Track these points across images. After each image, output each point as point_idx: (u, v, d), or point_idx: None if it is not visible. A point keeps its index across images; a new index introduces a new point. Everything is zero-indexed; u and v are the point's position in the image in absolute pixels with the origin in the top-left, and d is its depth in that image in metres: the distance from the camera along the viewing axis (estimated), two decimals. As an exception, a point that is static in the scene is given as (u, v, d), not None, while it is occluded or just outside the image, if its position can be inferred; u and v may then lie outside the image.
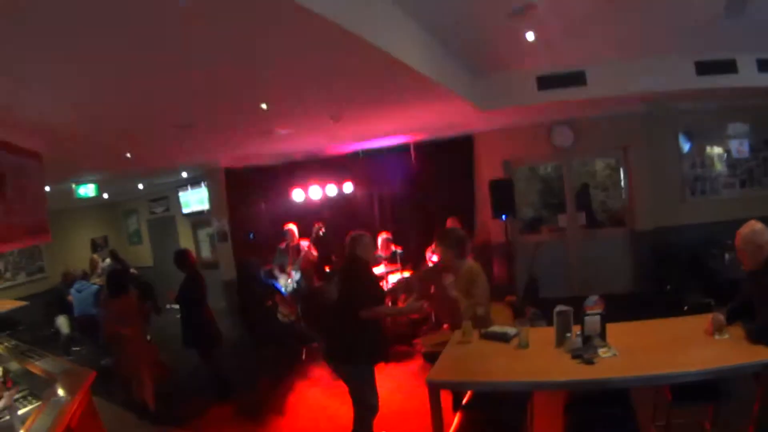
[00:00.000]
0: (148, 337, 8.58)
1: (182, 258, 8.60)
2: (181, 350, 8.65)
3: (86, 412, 5.61)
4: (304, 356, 9.93)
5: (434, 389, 4.86)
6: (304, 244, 10.59)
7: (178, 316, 8.53)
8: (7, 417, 5.09)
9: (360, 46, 4.77)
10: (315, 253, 10.77)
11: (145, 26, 3.79)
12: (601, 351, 4.66)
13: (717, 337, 4.71)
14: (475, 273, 6.08)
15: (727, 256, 8.24)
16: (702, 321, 4.96)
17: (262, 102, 6.83)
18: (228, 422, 7.77)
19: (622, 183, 11.73)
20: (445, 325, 8.89)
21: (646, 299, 10.17)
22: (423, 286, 6.59)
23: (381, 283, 6.55)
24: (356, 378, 5.81)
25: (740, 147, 11.13)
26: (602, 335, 4.86)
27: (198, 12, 3.65)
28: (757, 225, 4.63)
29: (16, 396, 5.63)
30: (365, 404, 5.87)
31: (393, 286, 7.76)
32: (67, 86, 5.03)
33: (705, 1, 6.85)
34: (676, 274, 8.99)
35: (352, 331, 5.75)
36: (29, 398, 5.71)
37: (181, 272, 8.51)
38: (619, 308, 5.81)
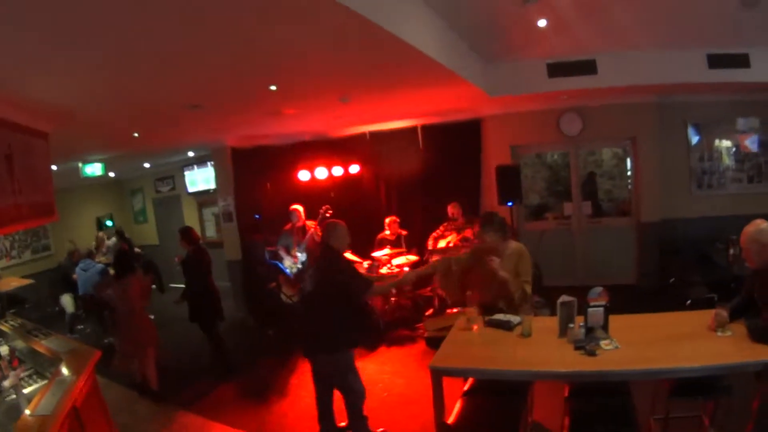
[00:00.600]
0: (152, 317, 8.60)
1: (187, 234, 8.74)
2: (185, 330, 8.70)
3: (91, 392, 5.66)
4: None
5: (437, 375, 4.89)
6: (311, 225, 10.59)
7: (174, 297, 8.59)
8: (13, 396, 5.14)
9: (372, 31, 4.78)
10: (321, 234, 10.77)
11: (154, 9, 3.79)
12: (603, 343, 4.67)
13: (719, 333, 4.70)
14: (522, 252, 6.16)
15: (732, 251, 8.19)
16: (705, 316, 4.95)
17: (272, 84, 6.83)
18: (230, 403, 7.81)
19: (629, 173, 11.68)
20: (450, 310, 8.94)
21: (649, 291, 10.18)
22: (464, 268, 6.52)
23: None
24: (341, 366, 5.81)
25: (750, 142, 11.08)
26: (605, 327, 4.87)
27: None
28: (763, 224, 4.61)
29: (22, 375, 5.69)
30: (354, 391, 5.89)
31: (425, 268, 7.71)
32: (75, 67, 5.03)
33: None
34: (680, 267, 8.97)
35: (335, 321, 5.74)
36: (35, 377, 5.77)
37: (184, 250, 8.60)
38: (623, 300, 5.82)
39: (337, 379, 5.94)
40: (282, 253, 10.85)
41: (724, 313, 4.79)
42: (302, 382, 8.07)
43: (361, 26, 4.61)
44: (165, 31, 4.34)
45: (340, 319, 5.74)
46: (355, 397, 5.93)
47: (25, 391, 5.33)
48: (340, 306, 5.75)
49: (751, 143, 11.01)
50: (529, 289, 5.97)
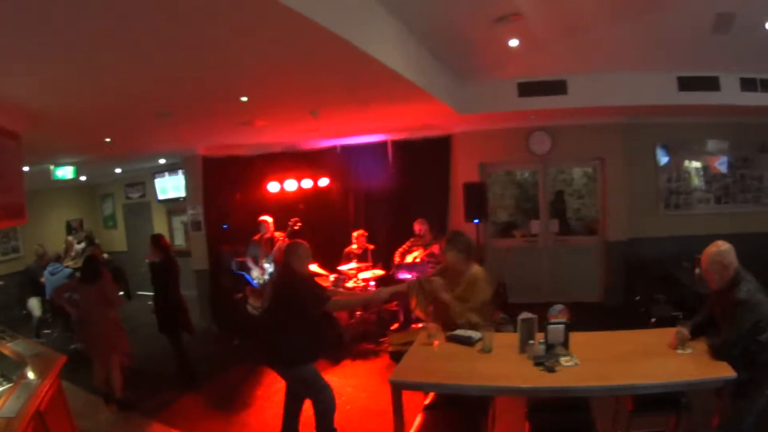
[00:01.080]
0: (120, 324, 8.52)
1: (157, 241, 8.68)
2: (152, 337, 8.62)
3: (55, 396, 5.61)
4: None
5: (397, 389, 4.86)
6: (279, 236, 10.55)
7: (150, 302, 8.50)
8: (-21, 397, 5.06)
9: (342, 47, 4.82)
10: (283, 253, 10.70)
11: (127, 16, 3.77)
12: (563, 359, 4.68)
13: (680, 351, 4.75)
14: (477, 279, 5.94)
15: (697, 270, 8.24)
16: (668, 334, 4.99)
17: (243, 95, 6.81)
18: (194, 412, 7.74)
19: (599, 192, 11.75)
20: (415, 325, 8.92)
21: (615, 309, 10.26)
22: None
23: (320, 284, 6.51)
24: (302, 378, 5.81)
25: (719, 163, 11.23)
26: (565, 344, 4.88)
27: (181, 6, 3.64)
28: (723, 245, 4.66)
29: (-13, 377, 5.63)
30: (321, 400, 5.86)
31: (399, 287, 7.61)
32: (46, 68, 4.99)
33: (693, 19, 6.91)
34: (646, 285, 9.03)
35: (291, 336, 5.72)
36: (0, 380, 5.68)
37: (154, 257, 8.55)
38: (588, 317, 5.85)
39: (303, 391, 5.95)
40: (250, 263, 10.79)
41: (685, 331, 4.84)
42: (267, 392, 8.05)
43: (331, 42, 4.63)
44: (135, 38, 4.31)
45: (296, 334, 5.73)
46: (323, 408, 5.89)
47: (-9, 393, 5.26)
48: (296, 321, 5.73)
49: (720, 165, 11.16)
50: (474, 318, 5.77)
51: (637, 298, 8.74)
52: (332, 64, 5.68)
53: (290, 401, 6.07)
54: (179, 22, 3.99)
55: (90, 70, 5.29)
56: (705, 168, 11.33)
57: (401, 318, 10.14)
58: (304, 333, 5.77)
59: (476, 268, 6.03)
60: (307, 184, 11.67)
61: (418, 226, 10.53)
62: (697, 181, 11.36)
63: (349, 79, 6.50)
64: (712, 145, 11.30)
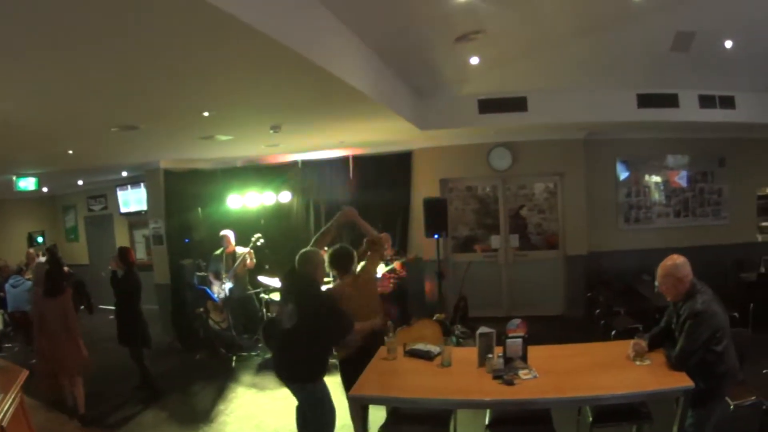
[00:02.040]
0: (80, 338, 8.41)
1: (124, 254, 8.63)
2: (114, 352, 8.53)
3: (17, 411, 5.48)
4: (234, 364, 9.81)
5: (356, 404, 4.86)
6: (240, 250, 10.51)
7: (111, 317, 8.41)
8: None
9: (303, 64, 4.84)
10: (253, 261, 10.65)
11: (89, 29, 3.74)
12: (521, 373, 4.73)
13: (638, 362, 4.83)
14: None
15: (656, 283, 8.38)
16: (626, 346, 5.07)
17: (205, 110, 6.79)
18: (156, 427, 7.65)
19: (559, 207, 11.86)
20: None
21: (575, 322, 10.32)
22: None
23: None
24: (316, 395, 5.62)
25: (679, 178, 11.41)
26: (524, 357, 4.93)
27: (142, 20, 3.63)
28: (678, 259, 4.75)
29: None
30: (326, 422, 5.66)
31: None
32: (8, 78, 4.91)
33: (652, 37, 7.02)
34: (606, 298, 9.12)
35: (317, 353, 5.51)
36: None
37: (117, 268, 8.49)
38: (549, 331, 5.90)
39: (311, 408, 5.61)
40: (211, 278, 10.73)
41: (642, 343, 4.95)
42: (229, 407, 8.02)
43: (292, 59, 4.65)
44: (99, 52, 4.28)
45: (317, 350, 5.52)
46: (326, 425, 5.58)
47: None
48: (318, 337, 5.47)
49: (679, 179, 11.34)
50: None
51: (598, 311, 8.82)
52: (294, 81, 5.69)
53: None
54: (141, 36, 3.98)
55: (55, 86, 5.25)
56: (665, 182, 11.52)
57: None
58: (324, 349, 5.62)
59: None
60: (268, 198, 11.64)
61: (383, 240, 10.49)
62: (657, 196, 11.54)
63: (311, 96, 6.51)
64: (671, 159, 11.50)
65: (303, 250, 5.81)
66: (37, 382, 7.54)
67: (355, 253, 6.31)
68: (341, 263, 6.14)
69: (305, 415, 5.75)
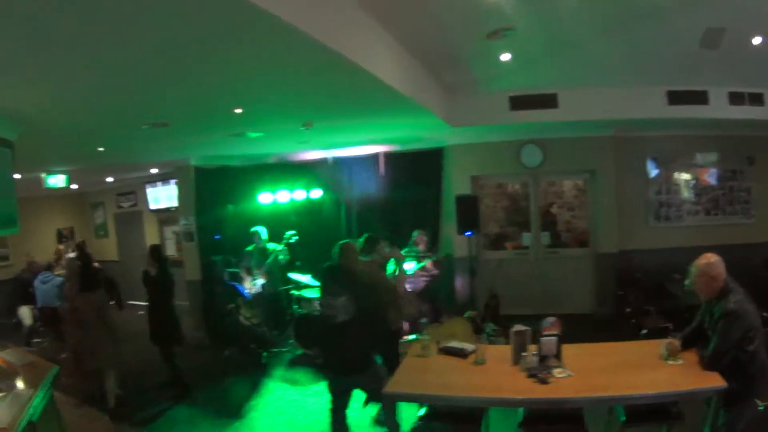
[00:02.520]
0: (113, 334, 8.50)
1: (153, 253, 8.70)
2: (142, 348, 8.61)
3: (48, 407, 5.55)
4: (264, 359, 9.89)
5: (390, 401, 4.91)
6: (271, 246, 10.57)
7: (141, 312, 8.47)
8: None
9: (335, 59, 4.84)
10: (286, 257, 10.69)
11: (123, 27, 3.78)
12: (556, 371, 4.75)
13: (670, 362, 4.83)
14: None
15: (687, 282, 8.32)
16: (658, 346, 5.08)
17: (237, 106, 6.84)
18: (188, 423, 7.71)
19: (589, 204, 11.83)
20: (404, 337, 8.92)
21: (605, 321, 10.28)
22: None
23: None
24: (375, 376, 5.73)
25: (709, 175, 11.33)
26: (558, 356, 4.93)
27: (177, 16, 3.67)
28: (712, 257, 4.74)
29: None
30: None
31: None
32: (43, 78, 4.99)
33: (681, 34, 6.97)
34: (636, 297, 9.09)
35: (369, 341, 5.81)
36: (-10, 390, 5.65)
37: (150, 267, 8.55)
38: (579, 329, 5.89)
39: (372, 388, 5.77)
40: (243, 274, 10.80)
41: (675, 343, 4.95)
42: (259, 403, 8.09)
43: (325, 55, 4.66)
44: (132, 51, 4.33)
45: (371, 338, 5.85)
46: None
47: (-20, 404, 5.22)
48: (375, 324, 5.86)
49: (709, 177, 11.25)
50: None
51: (628, 309, 8.79)
52: (327, 77, 5.71)
53: (340, 401, 5.96)
54: (175, 33, 4.02)
55: (86, 81, 5.29)
56: (694, 180, 11.42)
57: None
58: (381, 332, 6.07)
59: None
60: (299, 195, 11.69)
61: (417, 237, 10.49)
62: (686, 193, 11.44)
63: (343, 92, 6.53)
64: (701, 157, 11.40)
65: (340, 243, 6.09)
66: (67, 376, 7.64)
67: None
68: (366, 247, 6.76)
69: (346, 394, 5.93)
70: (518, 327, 5.23)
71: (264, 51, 4.65)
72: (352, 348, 5.70)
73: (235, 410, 7.96)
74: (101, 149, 9.28)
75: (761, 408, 4.66)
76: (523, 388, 4.61)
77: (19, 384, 5.37)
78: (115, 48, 4.25)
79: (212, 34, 4.09)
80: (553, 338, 5.01)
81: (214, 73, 5.26)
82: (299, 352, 9.88)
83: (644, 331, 6.50)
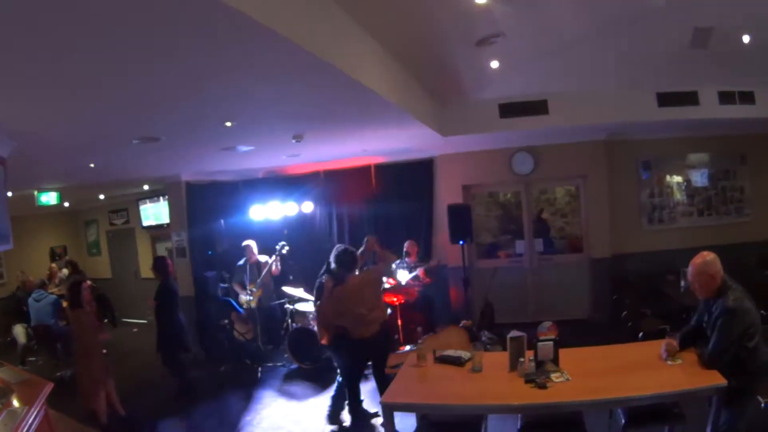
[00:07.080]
0: (104, 351, 8.46)
1: (162, 265, 8.86)
2: (141, 364, 8.56)
3: (42, 424, 5.53)
4: (260, 374, 9.83)
5: (388, 411, 4.86)
6: (263, 260, 10.54)
7: (135, 330, 8.47)
8: (-38, 426, 5.00)
9: (326, 70, 4.82)
10: (278, 267, 10.63)
11: (115, 44, 3.75)
12: (553, 376, 4.73)
13: (669, 362, 4.82)
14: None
15: (683, 283, 8.31)
16: (656, 347, 5.08)
17: (227, 120, 6.81)
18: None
19: (582, 210, 11.83)
20: (401, 347, 8.93)
21: (602, 326, 10.26)
22: None
23: None
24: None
25: (700, 176, 11.34)
26: (555, 360, 4.92)
27: (163, 31, 3.64)
28: (708, 256, 4.73)
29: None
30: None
31: None
32: (35, 93, 4.95)
33: (669, 36, 6.98)
34: (632, 300, 9.08)
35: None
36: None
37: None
38: (576, 334, 5.87)
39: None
40: (237, 289, 10.76)
41: (674, 343, 4.95)
42: (255, 418, 8.02)
43: (314, 65, 4.63)
44: (122, 66, 4.28)
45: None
46: None
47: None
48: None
49: (702, 178, 11.27)
50: None
51: (624, 313, 8.78)
52: (317, 88, 5.67)
53: (357, 371, 7.42)
54: (165, 47, 3.98)
55: (77, 96, 5.27)
56: (687, 181, 11.43)
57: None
58: None
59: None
60: (291, 209, 11.66)
61: (408, 247, 10.47)
62: (679, 195, 11.45)
63: (334, 103, 6.49)
64: (693, 158, 11.42)
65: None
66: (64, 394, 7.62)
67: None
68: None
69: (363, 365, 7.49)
70: (514, 333, 5.22)
71: (254, 63, 4.60)
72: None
73: (232, 426, 7.90)
74: (92, 165, 9.23)
75: (763, 405, 4.65)
76: (522, 394, 4.59)
77: (14, 402, 5.35)
78: (104, 64, 4.22)
79: (202, 48, 4.05)
80: (550, 343, 4.99)
81: (205, 86, 5.21)
82: (294, 366, 9.82)
83: (641, 334, 6.47)
